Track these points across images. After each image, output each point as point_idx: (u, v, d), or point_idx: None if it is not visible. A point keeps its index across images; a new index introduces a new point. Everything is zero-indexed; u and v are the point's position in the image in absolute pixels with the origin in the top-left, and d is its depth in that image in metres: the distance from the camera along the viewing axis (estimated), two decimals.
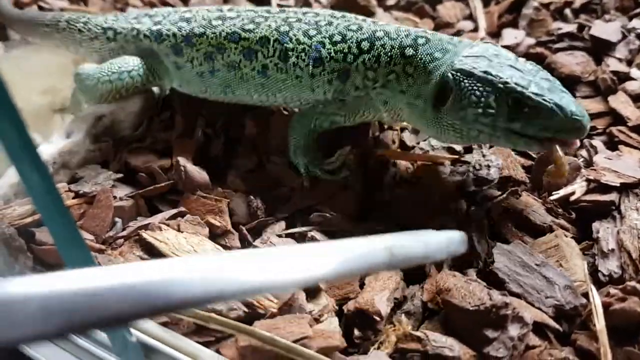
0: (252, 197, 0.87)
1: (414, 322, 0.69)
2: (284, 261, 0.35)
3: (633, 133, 0.93)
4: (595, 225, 0.78)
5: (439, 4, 1.36)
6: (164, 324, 0.68)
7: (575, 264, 0.73)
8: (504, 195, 0.84)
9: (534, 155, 0.92)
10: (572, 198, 0.82)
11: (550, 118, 0.72)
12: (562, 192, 0.84)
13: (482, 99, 0.75)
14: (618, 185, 0.81)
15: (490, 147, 0.94)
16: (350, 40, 0.88)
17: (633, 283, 0.67)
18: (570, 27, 1.17)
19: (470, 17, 1.32)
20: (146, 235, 0.79)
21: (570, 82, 1.03)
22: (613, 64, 1.06)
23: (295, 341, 0.63)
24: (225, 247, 0.81)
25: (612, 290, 0.67)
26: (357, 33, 0.88)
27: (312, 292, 0.72)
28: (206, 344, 0.66)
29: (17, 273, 0.79)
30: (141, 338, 0.65)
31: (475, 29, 1.27)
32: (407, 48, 0.85)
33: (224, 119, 1.03)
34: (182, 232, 0.80)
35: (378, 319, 0.67)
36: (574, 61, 1.08)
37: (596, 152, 0.91)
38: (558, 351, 0.63)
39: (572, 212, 0.82)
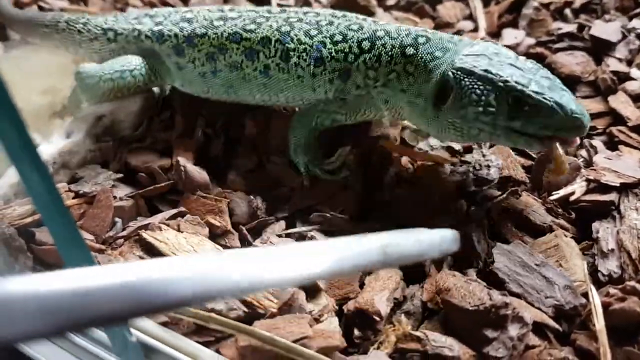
0: (252, 197, 0.87)
1: (413, 322, 0.69)
2: (281, 260, 0.36)
3: (633, 133, 0.93)
4: (595, 225, 0.78)
5: (439, 4, 1.36)
6: (164, 324, 0.68)
7: (575, 264, 0.73)
8: (504, 195, 0.84)
9: (534, 155, 0.92)
10: (572, 198, 0.83)
11: (551, 116, 0.72)
12: (562, 192, 0.84)
13: (483, 98, 0.75)
14: (618, 185, 0.81)
15: (491, 146, 0.94)
16: (351, 40, 0.88)
17: (633, 283, 0.67)
18: (570, 27, 1.17)
19: (470, 17, 1.32)
20: (146, 235, 0.79)
21: (570, 82, 1.02)
22: (613, 64, 1.06)
23: (295, 341, 0.63)
24: (225, 247, 0.81)
25: (612, 290, 0.67)
26: (358, 32, 0.88)
27: (312, 292, 0.71)
28: (206, 344, 0.66)
29: (17, 273, 0.79)
30: (141, 338, 0.65)
31: (475, 29, 1.27)
32: (408, 47, 0.85)
33: (224, 119, 1.03)
34: (182, 232, 0.80)
35: (378, 319, 0.67)
36: (574, 61, 1.08)
37: (596, 152, 0.91)
38: (558, 351, 0.63)
39: (572, 212, 0.82)
